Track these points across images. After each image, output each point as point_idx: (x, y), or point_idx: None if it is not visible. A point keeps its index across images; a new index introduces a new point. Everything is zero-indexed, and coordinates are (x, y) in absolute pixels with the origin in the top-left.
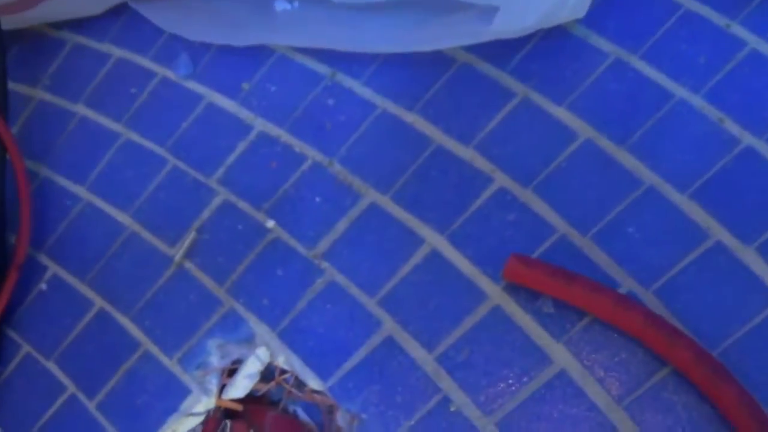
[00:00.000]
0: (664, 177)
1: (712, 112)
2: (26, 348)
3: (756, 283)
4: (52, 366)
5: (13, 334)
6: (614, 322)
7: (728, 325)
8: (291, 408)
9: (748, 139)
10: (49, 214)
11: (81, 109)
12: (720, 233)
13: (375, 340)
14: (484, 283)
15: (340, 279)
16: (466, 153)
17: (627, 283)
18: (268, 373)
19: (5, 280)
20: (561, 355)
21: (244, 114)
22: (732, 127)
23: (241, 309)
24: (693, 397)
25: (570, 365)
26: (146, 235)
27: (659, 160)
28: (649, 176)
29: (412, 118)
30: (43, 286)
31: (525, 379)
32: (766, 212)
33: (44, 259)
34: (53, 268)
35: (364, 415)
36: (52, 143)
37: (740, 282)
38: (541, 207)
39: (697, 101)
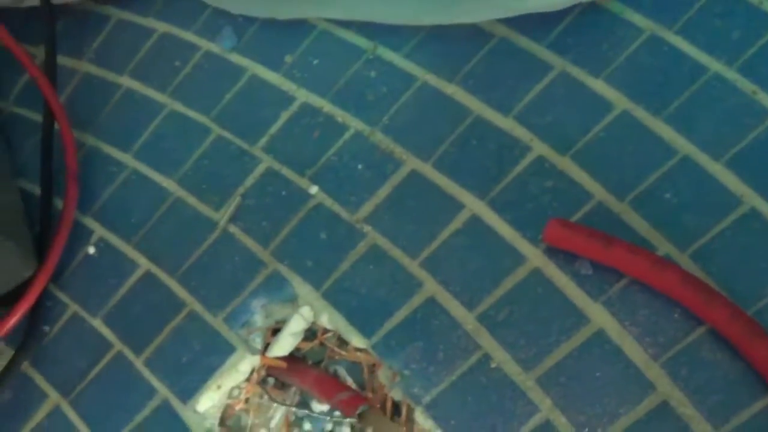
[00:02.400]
0: (699, 146)
1: (746, 85)
2: (73, 308)
3: None
4: (98, 324)
5: (60, 295)
6: (651, 283)
7: (763, 286)
8: (332, 368)
9: None
10: (94, 181)
11: (126, 81)
12: (754, 200)
13: (416, 300)
14: (524, 246)
15: (382, 242)
16: (505, 123)
17: (664, 247)
18: (310, 334)
19: (55, 240)
20: (599, 315)
21: (287, 86)
22: (764, 99)
23: (284, 270)
24: (728, 354)
25: (608, 324)
26: (191, 200)
27: (694, 131)
28: (684, 145)
29: (452, 89)
30: (90, 249)
31: (563, 338)
32: None
33: (91, 223)
34: (99, 232)
35: (406, 371)
36: (97, 114)
37: None
38: (578, 174)
39: (731, 74)
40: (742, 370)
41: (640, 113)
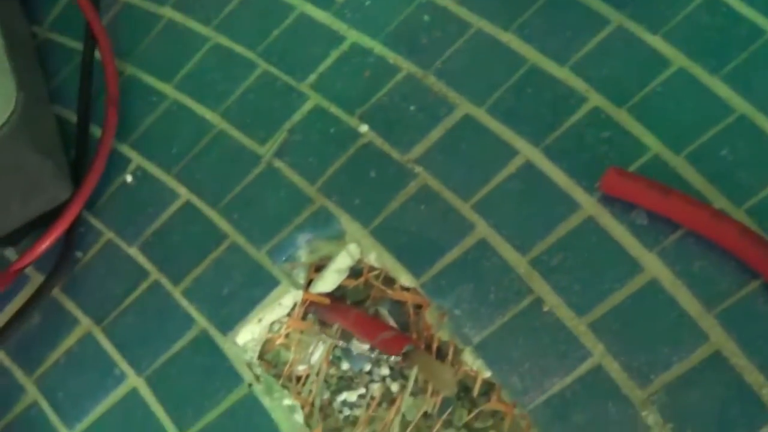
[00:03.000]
0: (756, 106)
1: None
2: (108, 235)
3: None
4: (135, 253)
5: (94, 222)
6: (708, 235)
7: None
8: (373, 309)
9: None
10: (134, 110)
11: (168, 12)
12: None
13: (468, 241)
14: (578, 194)
15: (434, 183)
16: (560, 72)
17: (719, 202)
18: (355, 272)
19: (93, 165)
20: (653, 265)
21: (337, 25)
22: None
23: (332, 207)
24: None
25: (661, 274)
26: (235, 133)
27: (752, 91)
28: (741, 105)
29: (507, 37)
30: (128, 177)
31: (617, 286)
32: None
33: (128, 152)
34: (138, 161)
35: (456, 311)
36: (137, 44)
37: None
38: (634, 127)
39: None
40: None
41: (697, 71)
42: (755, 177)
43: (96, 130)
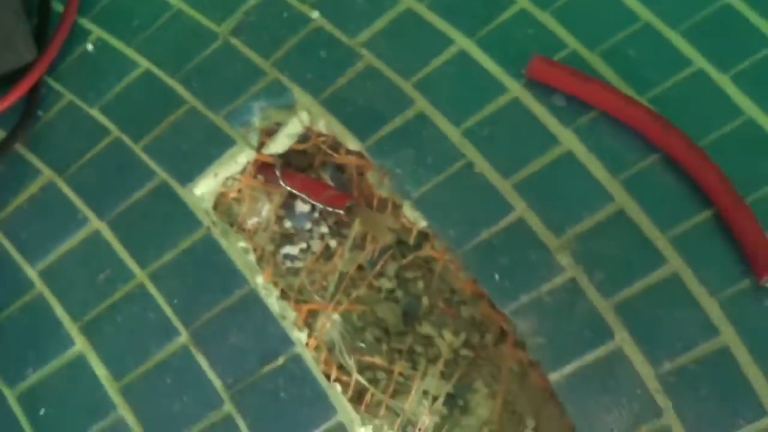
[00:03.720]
0: (659, 16)
1: None
2: (69, 97)
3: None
4: (95, 113)
5: (56, 85)
6: (619, 116)
7: (708, 125)
8: (316, 173)
9: None
10: None
11: None
12: (701, 62)
13: (409, 113)
14: (506, 79)
15: (378, 64)
16: None
17: (626, 92)
18: (304, 139)
19: (57, 30)
20: (568, 139)
21: None
22: None
23: (285, 80)
24: (677, 175)
25: (576, 147)
26: (193, 12)
27: (655, 3)
28: (646, 13)
29: None
30: (89, 46)
31: (538, 154)
32: None
33: (89, 24)
34: (98, 32)
35: (398, 170)
36: None
37: (716, 100)
38: (556, 27)
39: None
40: (689, 188)
41: None
42: (656, 73)
43: (57, 6)
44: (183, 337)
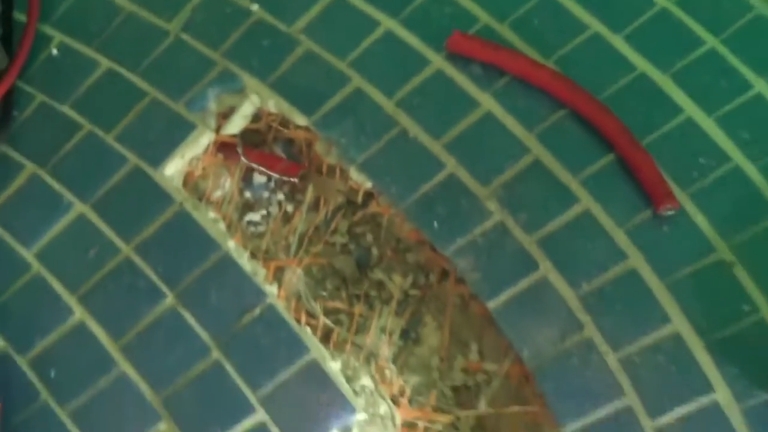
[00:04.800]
0: None
1: None
2: (40, 98)
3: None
4: (67, 110)
5: (27, 87)
6: (529, 79)
7: (608, 82)
8: (269, 148)
9: None
10: None
11: None
12: (598, 27)
13: (347, 89)
14: (429, 53)
15: (316, 48)
16: None
17: (533, 56)
18: (256, 118)
19: (23, 37)
20: (487, 102)
21: None
22: None
23: (234, 68)
24: (585, 127)
25: (494, 108)
26: (144, 13)
27: None
28: None
29: None
30: (54, 50)
31: (462, 117)
32: None
33: (51, 31)
34: (60, 37)
35: (342, 140)
36: None
37: (612, 59)
38: (469, 3)
39: None
40: (593, 137)
41: None
42: (558, 38)
43: (20, 16)
44: (170, 299)
